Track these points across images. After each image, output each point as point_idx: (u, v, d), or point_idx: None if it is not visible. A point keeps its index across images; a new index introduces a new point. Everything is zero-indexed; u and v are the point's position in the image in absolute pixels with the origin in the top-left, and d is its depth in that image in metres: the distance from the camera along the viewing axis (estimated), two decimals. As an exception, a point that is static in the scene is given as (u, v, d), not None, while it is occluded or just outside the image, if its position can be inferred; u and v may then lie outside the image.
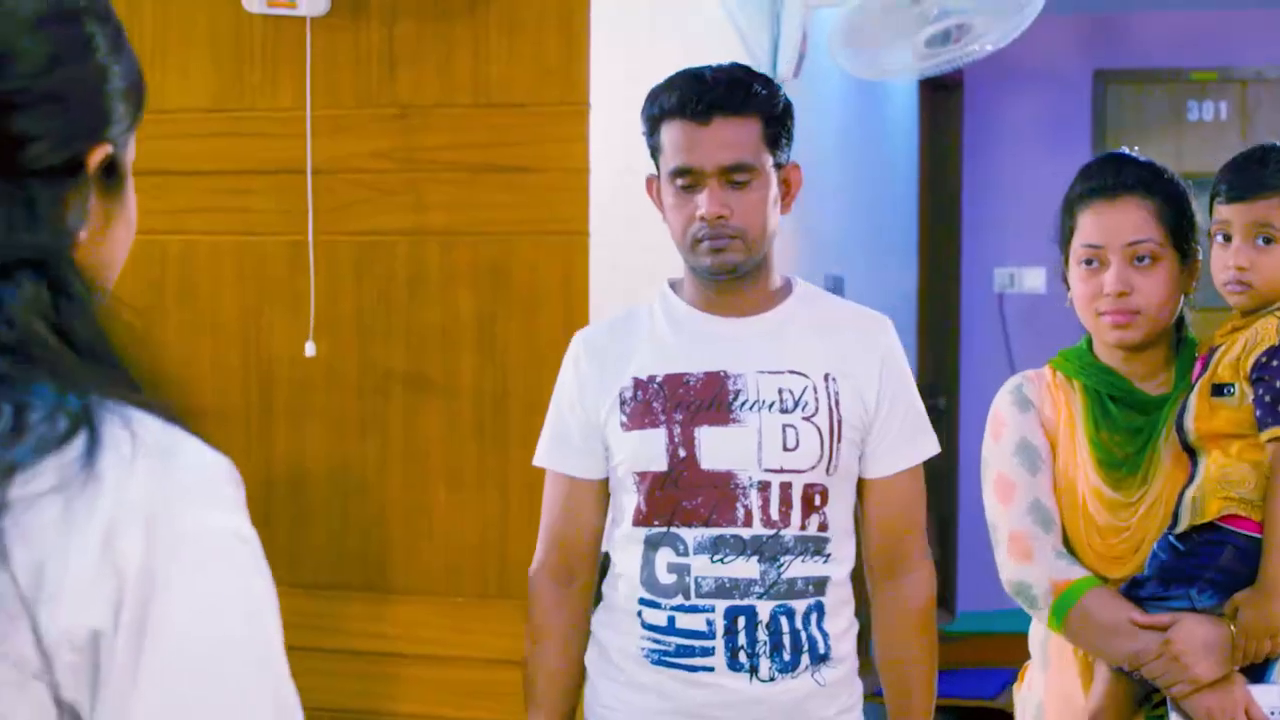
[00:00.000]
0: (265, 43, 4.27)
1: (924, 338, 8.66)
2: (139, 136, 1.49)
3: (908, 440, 3.23)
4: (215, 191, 4.32)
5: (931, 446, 3.28)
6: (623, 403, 3.17)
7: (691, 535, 3.11)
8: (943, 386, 8.90)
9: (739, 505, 3.09)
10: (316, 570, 4.26)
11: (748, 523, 3.09)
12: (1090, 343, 3.29)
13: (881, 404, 3.18)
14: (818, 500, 3.13)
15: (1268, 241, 3.06)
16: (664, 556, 3.14)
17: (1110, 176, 3.18)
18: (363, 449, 4.23)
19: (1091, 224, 3.17)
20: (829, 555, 3.14)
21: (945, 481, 8.54)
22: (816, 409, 3.13)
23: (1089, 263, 3.17)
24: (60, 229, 1.34)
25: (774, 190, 3.14)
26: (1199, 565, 3.02)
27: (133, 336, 1.35)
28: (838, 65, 5.44)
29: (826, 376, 3.15)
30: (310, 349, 4.18)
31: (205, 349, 4.33)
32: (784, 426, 3.11)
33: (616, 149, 4.10)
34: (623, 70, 4.13)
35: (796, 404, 3.12)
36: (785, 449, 3.10)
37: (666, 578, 3.13)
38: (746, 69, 3.18)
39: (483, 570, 4.14)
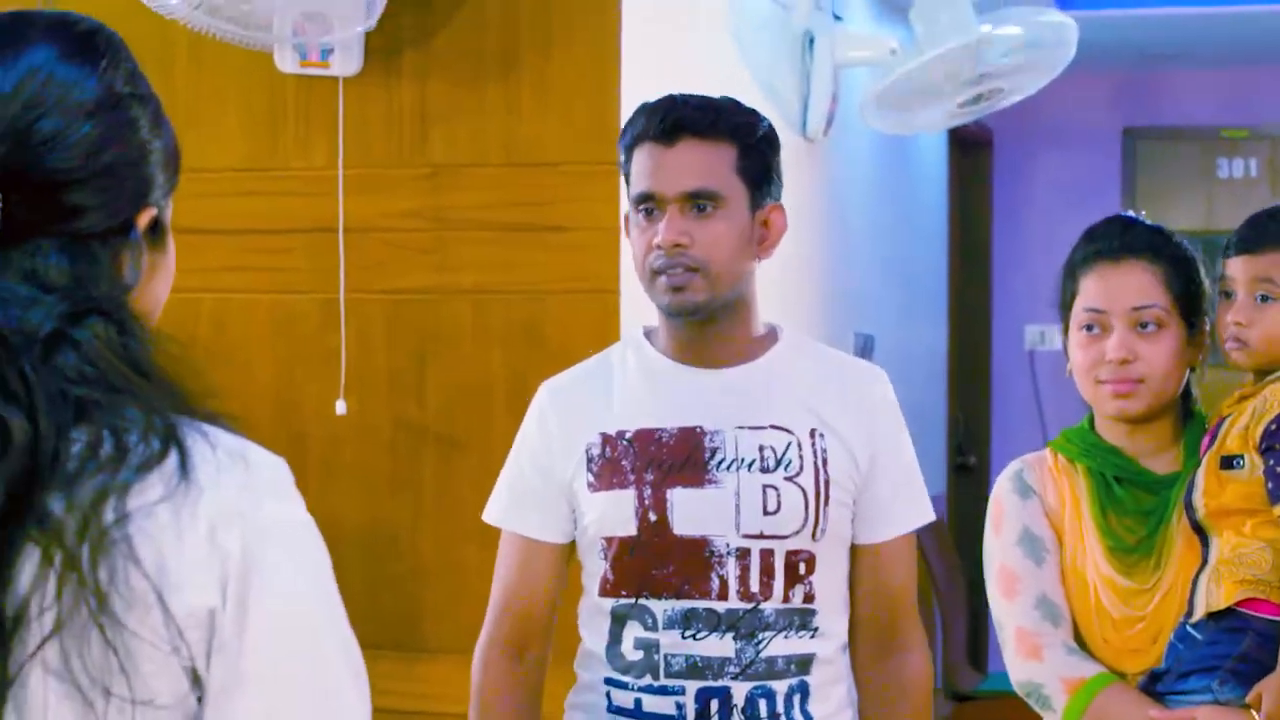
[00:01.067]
0: (298, 102, 4.29)
1: (955, 395, 8.65)
2: (173, 195, 1.71)
3: (903, 503, 2.95)
4: (248, 250, 4.34)
5: (926, 513, 3.00)
6: (590, 460, 2.88)
7: (661, 608, 2.81)
8: (974, 444, 8.89)
9: (713, 575, 2.80)
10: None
11: (723, 595, 2.79)
12: (1092, 421, 3.08)
13: (875, 463, 2.89)
14: (803, 569, 2.83)
15: (1265, 299, 2.94)
16: (631, 631, 2.84)
17: (1115, 239, 3.03)
18: (395, 507, 4.24)
19: (1094, 287, 3.01)
20: (816, 629, 2.84)
21: (975, 538, 8.51)
22: (801, 468, 2.83)
23: (1090, 328, 3.00)
24: (118, 280, 1.61)
25: (745, 226, 2.84)
26: (1219, 655, 2.84)
27: (182, 365, 1.62)
28: (867, 124, 5.45)
29: (813, 432, 2.85)
30: (341, 407, 4.19)
31: (237, 406, 4.32)
32: (765, 487, 2.82)
33: (647, 207, 4.11)
34: (654, 129, 4.15)
35: (779, 462, 2.83)
36: (766, 512, 2.81)
37: (633, 654, 2.84)
38: (733, 100, 2.94)
39: (514, 628, 4.13)
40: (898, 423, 2.97)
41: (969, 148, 8.82)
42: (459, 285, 4.18)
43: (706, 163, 2.82)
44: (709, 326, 2.87)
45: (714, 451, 2.83)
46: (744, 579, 2.80)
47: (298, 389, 4.31)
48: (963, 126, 6.60)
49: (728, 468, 2.82)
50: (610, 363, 2.99)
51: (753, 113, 2.92)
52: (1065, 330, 3.08)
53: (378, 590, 4.25)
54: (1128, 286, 2.99)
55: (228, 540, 1.54)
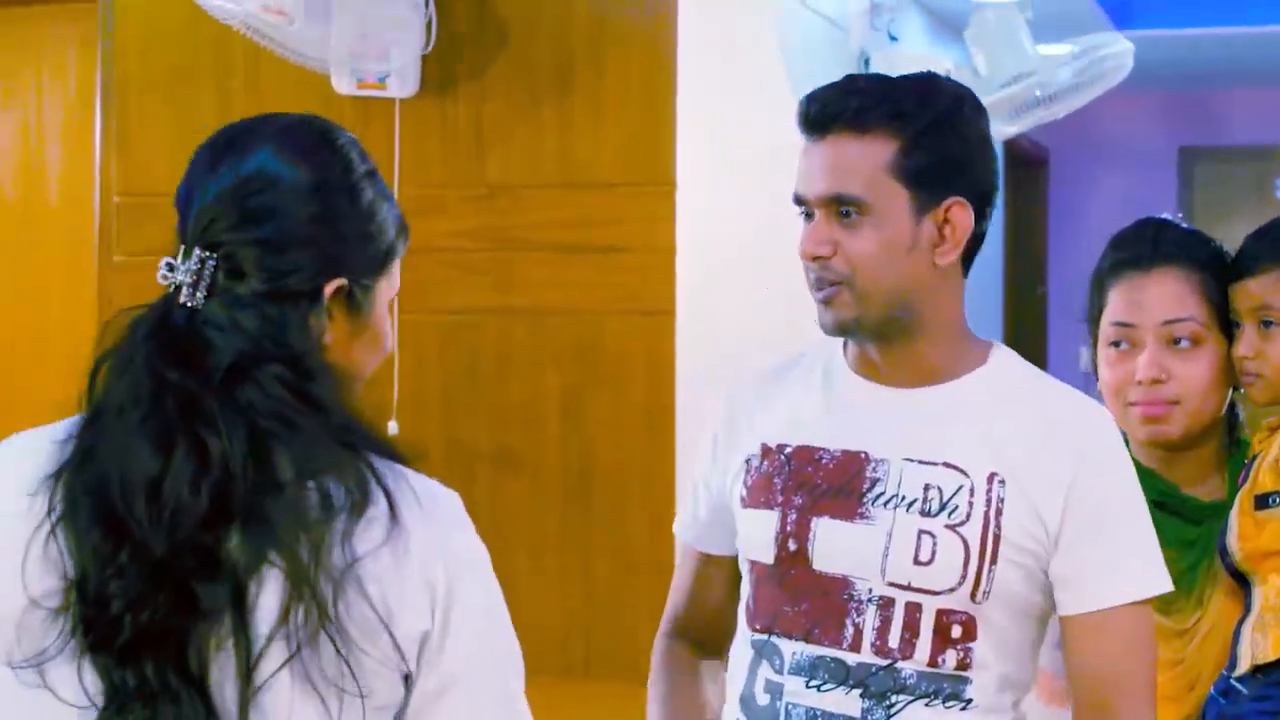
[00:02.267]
0: (355, 123, 4.30)
1: (1009, 415, 8.61)
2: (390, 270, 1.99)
3: (1109, 570, 2.39)
4: (304, 270, 4.35)
5: (1146, 584, 2.41)
6: (747, 472, 2.53)
7: (790, 649, 2.45)
8: (1028, 464, 8.85)
9: (848, 622, 2.41)
10: (402, 647, 4.27)
11: (855, 646, 2.40)
12: (1129, 442, 2.69)
13: (1071, 522, 2.38)
14: (956, 632, 2.38)
15: (1268, 325, 2.65)
16: (763, 671, 2.48)
17: (1145, 245, 2.71)
18: (449, 526, 4.25)
19: (1122, 300, 2.69)
20: (969, 703, 2.39)
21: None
22: (968, 517, 2.38)
23: (1118, 344, 2.69)
24: (307, 335, 1.87)
25: (904, 233, 2.39)
26: (1267, 712, 2.52)
27: (365, 410, 1.92)
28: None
29: (992, 477, 2.39)
30: (393, 427, 4.20)
31: (293, 426, 4.36)
32: (920, 533, 2.39)
33: (703, 228, 4.11)
34: (709, 151, 4.15)
35: (943, 507, 2.39)
36: (917, 561, 2.38)
37: (762, 698, 2.48)
38: (923, 79, 2.49)
39: (568, 649, 4.14)
40: (1113, 476, 2.43)
41: (1025, 166, 8.80)
42: (514, 306, 4.19)
43: (849, 161, 2.39)
44: (883, 343, 2.46)
45: (874, 483, 2.43)
46: (882, 632, 2.39)
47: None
48: (1019, 145, 6.57)
49: (885, 504, 2.42)
50: (798, 365, 2.59)
51: (934, 94, 2.44)
52: (1094, 346, 2.79)
53: (432, 609, 4.26)
54: (1159, 298, 2.67)
55: (434, 573, 1.83)
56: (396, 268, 2.03)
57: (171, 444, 1.76)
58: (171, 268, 1.86)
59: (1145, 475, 2.58)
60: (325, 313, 1.91)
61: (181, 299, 1.84)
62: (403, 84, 4.15)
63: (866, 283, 2.39)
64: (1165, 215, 2.84)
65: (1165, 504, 2.66)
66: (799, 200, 2.44)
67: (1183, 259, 2.68)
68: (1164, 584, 2.39)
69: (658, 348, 4.05)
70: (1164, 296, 2.67)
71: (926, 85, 2.45)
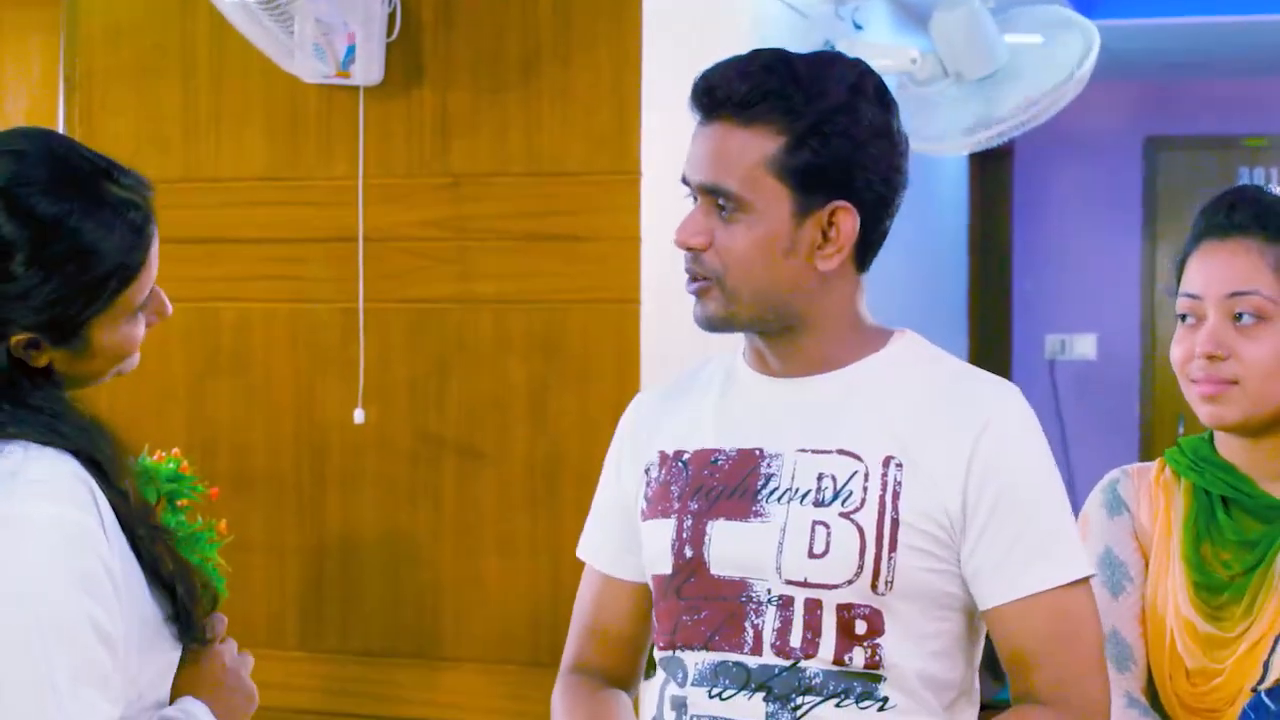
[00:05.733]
0: (319, 112, 4.30)
1: (975, 404, 8.62)
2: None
3: (1027, 555, 2.23)
4: (268, 259, 4.34)
5: (1067, 567, 2.25)
6: (647, 484, 2.40)
7: (692, 661, 2.30)
8: (994, 453, 8.86)
9: (747, 625, 2.26)
10: (368, 637, 4.26)
11: (756, 649, 2.25)
12: (1214, 432, 2.54)
13: (982, 505, 2.23)
14: (861, 628, 2.23)
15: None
16: (669, 689, 2.34)
17: (1222, 214, 2.50)
18: (414, 516, 4.24)
19: (1194, 270, 2.49)
20: (887, 703, 2.23)
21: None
22: (862, 503, 2.23)
23: (1185, 318, 2.49)
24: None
25: (781, 234, 2.24)
26: None
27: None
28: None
29: (888, 461, 2.24)
30: (359, 416, 4.20)
31: (258, 415, 4.35)
32: (814, 524, 2.24)
33: (668, 217, 4.09)
34: (674, 139, 4.15)
35: (836, 495, 2.24)
36: (811, 554, 2.23)
37: (669, 716, 2.33)
38: (823, 59, 2.29)
39: (535, 638, 4.14)
40: (1026, 455, 2.29)
41: (989, 158, 8.80)
42: (479, 295, 4.18)
43: (732, 153, 2.24)
44: (767, 338, 2.33)
45: (768, 479, 2.28)
46: (783, 632, 2.24)
47: (319, 399, 4.31)
48: (983, 135, 6.57)
49: (779, 499, 2.27)
50: (702, 371, 2.47)
51: (828, 84, 2.25)
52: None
53: (397, 599, 4.25)
54: (1226, 269, 2.46)
55: None
56: (133, 294, 2.07)
57: None
58: None
59: (1221, 470, 2.50)
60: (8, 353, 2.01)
61: None
62: (367, 72, 4.14)
63: (737, 282, 2.25)
64: (1265, 185, 2.62)
65: (1236, 500, 2.50)
66: (684, 181, 2.31)
67: (1259, 230, 2.46)
68: (1077, 570, 2.25)
69: (623, 337, 4.05)
70: (1232, 267, 2.46)
71: (823, 73, 2.25)
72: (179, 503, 3.49)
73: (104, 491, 2.01)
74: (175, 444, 3.70)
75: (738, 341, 2.41)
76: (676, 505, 2.32)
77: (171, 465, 3.52)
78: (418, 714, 4.22)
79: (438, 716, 4.21)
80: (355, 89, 4.21)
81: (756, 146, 2.22)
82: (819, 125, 2.22)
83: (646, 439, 2.43)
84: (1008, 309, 9.08)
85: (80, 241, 2.00)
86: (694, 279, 2.28)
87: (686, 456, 2.35)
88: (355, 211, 4.23)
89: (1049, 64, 5.02)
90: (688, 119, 2.34)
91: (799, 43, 5.12)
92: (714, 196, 2.25)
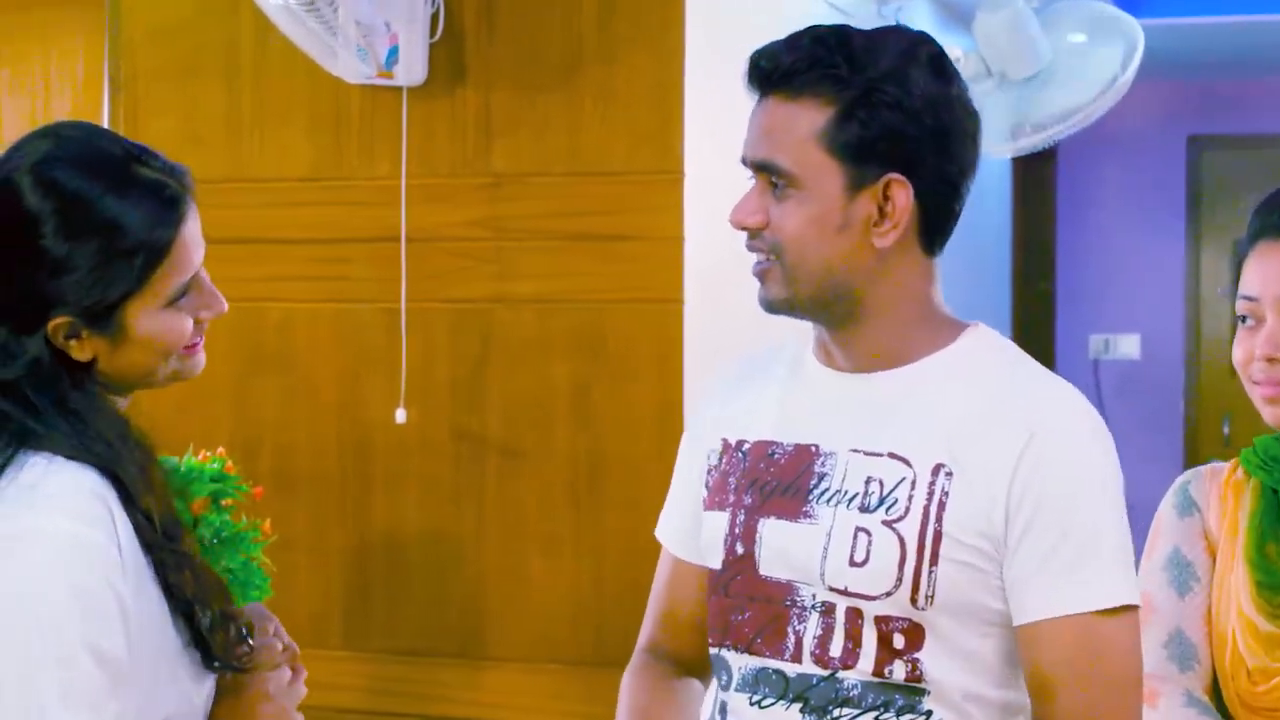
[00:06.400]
0: (362, 113, 4.30)
1: (1018, 405, 8.59)
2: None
3: (1063, 575, 2.09)
4: (312, 260, 4.35)
5: (1107, 593, 2.10)
6: (708, 471, 2.35)
7: (736, 664, 2.24)
8: (1037, 454, 8.83)
9: (789, 630, 2.18)
10: (413, 637, 4.27)
11: (796, 656, 2.18)
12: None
13: (1018, 516, 2.10)
14: (899, 642, 2.14)
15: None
16: (716, 690, 2.29)
17: (1276, 214, 2.46)
18: (458, 515, 4.25)
19: (1251, 271, 2.44)
20: (930, 717, 2.15)
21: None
22: (906, 511, 2.13)
23: (1244, 320, 2.44)
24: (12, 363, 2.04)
25: (833, 210, 2.16)
26: None
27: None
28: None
29: (938, 469, 2.13)
30: (401, 415, 4.21)
31: (302, 415, 4.37)
32: (856, 530, 2.15)
33: (711, 217, 4.11)
34: (717, 138, 4.15)
35: (881, 501, 2.14)
36: (852, 562, 2.14)
37: (715, 718, 2.29)
38: (878, 34, 2.22)
39: (578, 637, 4.14)
40: (1073, 465, 2.13)
41: (1032, 157, 8.76)
42: (521, 295, 4.18)
43: (782, 128, 2.17)
44: (831, 327, 2.25)
45: (821, 478, 2.20)
46: (824, 641, 2.16)
47: (362, 398, 4.32)
48: (1026, 135, 6.55)
49: (828, 501, 2.18)
50: (773, 354, 2.39)
51: (878, 53, 2.17)
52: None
53: (440, 599, 4.26)
54: None
55: None
56: (166, 276, 2.07)
57: None
58: None
59: None
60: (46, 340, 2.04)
61: None
62: (410, 73, 4.14)
63: (794, 260, 2.17)
64: None
65: None
66: (743, 162, 2.24)
67: None
68: (1119, 598, 2.10)
69: (666, 336, 4.04)
70: None
71: (877, 44, 2.17)
72: (224, 502, 3.49)
73: (126, 510, 1.99)
74: (219, 443, 3.71)
75: (783, 335, 2.37)
76: (732, 498, 2.26)
77: (216, 465, 3.53)
78: (461, 713, 4.22)
79: (481, 716, 4.22)
80: (398, 89, 4.22)
81: (805, 120, 2.15)
82: (868, 94, 2.13)
83: (715, 420, 2.36)
84: (1051, 309, 9.06)
85: (105, 214, 2.01)
86: (755, 258, 2.22)
87: (747, 447, 2.28)
88: (398, 211, 4.24)
89: (1093, 65, 5.00)
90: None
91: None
92: (767, 174, 2.18)
